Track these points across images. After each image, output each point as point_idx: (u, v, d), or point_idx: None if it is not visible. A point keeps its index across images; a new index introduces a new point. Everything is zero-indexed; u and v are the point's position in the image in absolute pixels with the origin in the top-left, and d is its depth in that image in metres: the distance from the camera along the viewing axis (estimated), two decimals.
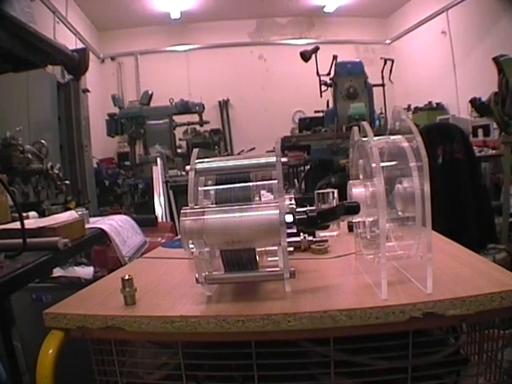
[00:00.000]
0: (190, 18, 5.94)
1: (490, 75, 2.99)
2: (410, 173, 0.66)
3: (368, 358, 0.70)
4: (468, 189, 2.39)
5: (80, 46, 4.63)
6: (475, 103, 3.56)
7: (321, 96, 3.76)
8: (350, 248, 0.92)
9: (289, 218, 0.67)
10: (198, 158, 0.75)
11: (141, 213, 3.89)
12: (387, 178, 0.70)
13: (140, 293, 0.77)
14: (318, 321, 0.65)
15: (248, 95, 6.27)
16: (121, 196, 4.27)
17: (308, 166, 3.94)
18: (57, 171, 1.90)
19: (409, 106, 5.70)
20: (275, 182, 0.72)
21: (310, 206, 0.88)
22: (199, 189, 0.75)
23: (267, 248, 0.84)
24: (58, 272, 1.57)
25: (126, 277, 0.75)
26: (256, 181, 0.75)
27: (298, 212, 0.71)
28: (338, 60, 3.65)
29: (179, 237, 0.71)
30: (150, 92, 4.73)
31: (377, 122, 4.02)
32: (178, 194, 3.74)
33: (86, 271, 1.65)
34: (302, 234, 0.99)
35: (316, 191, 1.17)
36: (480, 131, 4.22)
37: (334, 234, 1.14)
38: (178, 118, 4.81)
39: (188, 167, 0.74)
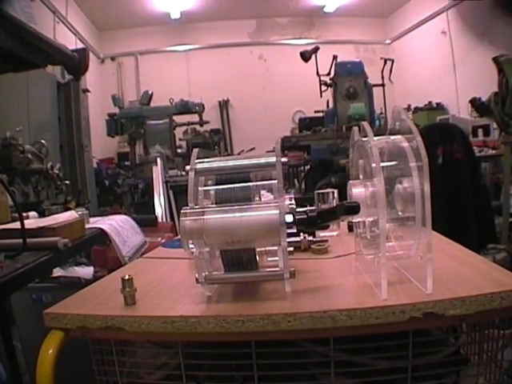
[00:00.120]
0: (190, 17, 5.94)
1: (490, 75, 2.99)
2: (410, 173, 0.66)
3: (368, 358, 0.70)
4: (468, 189, 2.39)
5: (80, 45, 4.63)
6: (475, 103, 3.56)
7: (321, 96, 3.76)
8: (350, 248, 0.92)
9: (289, 218, 0.67)
10: (198, 158, 0.75)
11: (141, 213, 3.89)
12: (387, 178, 0.70)
13: (140, 293, 0.77)
14: (318, 321, 0.65)
15: (248, 95, 6.27)
16: (121, 196, 4.27)
17: (308, 166, 3.94)
18: (57, 171, 1.90)
19: (409, 106, 5.70)
20: (275, 182, 0.72)
21: (310, 205, 0.88)
22: (199, 189, 0.75)
23: (267, 248, 0.84)
24: (58, 272, 1.57)
25: (126, 277, 0.75)
26: (256, 181, 0.75)
27: (298, 212, 0.71)
28: (338, 60, 3.65)
29: (179, 237, 0.71)
30: (149, 92, 4.73)
31: (377, 122, 4.02)
32: (178, 194, 3.74)
33: (86, 271, 1.65)
34: (301, 233, 0.99)
35: (316, 191, 1.17)
36: (480, 131, 4.22)
37: (334, 234, 1.14)
38: (178, 118, 4.80)
39: (188, 167, 0.74)
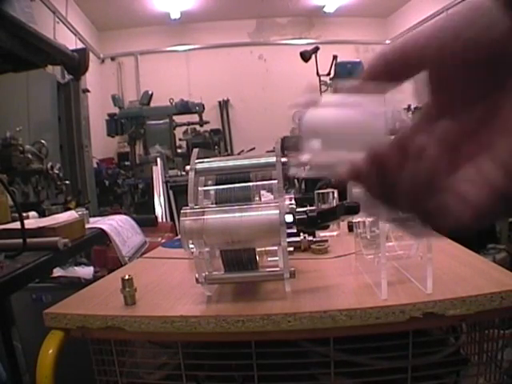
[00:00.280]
0: (190, 18, 5.93)
1: None
2: None
3: (368, 358, 0.70)
4: None
5: (80, 45, 4.63)
6: None
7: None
8: (349, 248, 0.92)
9: (289, 218, 0.67)
10: (198, 158, 0.75)
11: (141, 213, 3.89)
12: None
13: (140, 293, 0.77)
14: (318, 321, 0.65)
15: (248, 95, 6.26)
16: (121, 196, 4.27)
17: (308, 166, 3.94)
18: (57, 171, 1.90)
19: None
20: (275, 182, 0.73)
21: (310, 205, 0.88)
22: (199, 189, 0.75)
23: (267, 248, 0.84)
24: (58, 272, 1.57)
25: (126, 277, 0.75)
26: (256, 181, 0.75)
27: (298, 212, 0.71)
28: (338, 60, 3.65)
29: (179, 237, 0.71)
30: (149, 92, 4.72)
31: None
32: (178, 194, 3.74)
33: (86, 271, 1.65)
34: (302, 233, 0.99)
35: (316, 191, 1.17)
36: None
37: (334, 234, 1.14)
38: (178, 118, 4.80)
39: (188, 167, 0.74)
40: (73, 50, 1.28)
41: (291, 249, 0.85)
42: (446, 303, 0.64)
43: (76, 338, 0.73)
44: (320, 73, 3.63)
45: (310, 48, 3.66)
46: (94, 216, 1.53)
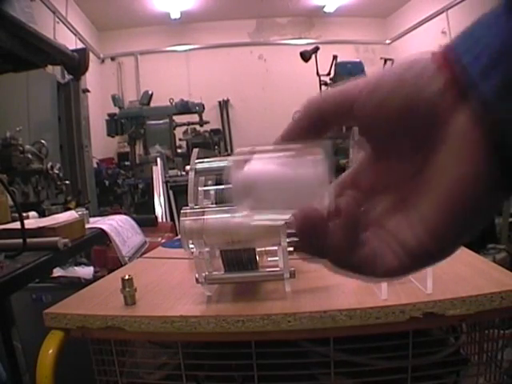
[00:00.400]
0: (190, 17, 5.93)
1: None
2: None
3: (368, 358, 0.70)
4: None
5: (80, 45, 4.63)
6: None
7: None
8: None
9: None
10: (198, 158, 0.75)
11: (141, 213, 3.89)
12: None
13: (140, 293, 0.77)
14: (318, 321, 0.65)
15: (248, 95, 6.26)
16: (121, 196, 4.26)
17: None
18: (57, 171, 1.90)
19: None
20: None
21: None
22: (199, 189, 0.75)
23: (267, 248, 0.84)
24: (58, 272, 1.57)
25: (126, 277, 0.75)
26: None
27: None
28: (338, 60, 3.65)
29: (179, 237, 0.71)
30: (149, 92, 4.72)
31: None
32: (178, 194, 3.73)
33: (86, 271, 1.65)
34: None
35: None
36: None
37: None
38: (178, 118, 4.80)
39: (188, 167, 0.74)
40: (73, 50, 1.28)
41: (291, 249, 0.85)
42: (445, 303, 0.64)
43: (76, 338, 0.73)
44: (320, 73, 3.63)
45: (309, 48, 3.66)
46: (94, 216, 1.53)
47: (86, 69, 1.33)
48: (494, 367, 0.74)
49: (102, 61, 6.10)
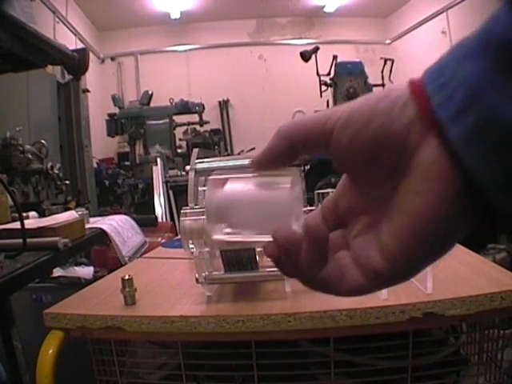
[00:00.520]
0: (190, 17, 5.93)
1: None
2: None
3: (368, 358, 0.70)
4: None
5: (80, 45, 4.63)
6: None
7: (321, 96, 3.76)
8: None
9: None
10: (198, 158, 0.75)
11: (141, 213, 3.89)
12: None
13: (140, 293, 0.77)
14: (318, 321, 0.65)
15: (248, 95, 6.26)
16: (121, 196, 4.26)
17: (308, 166, 3.94)
18: (57, 171, 1.90)
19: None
20: None
21: (310, 205, 0.88)
22: (199, 189, 0.75)
23: None
24: (58, 272, 1.57)
25: (126, 277, 0.75)
26: None
27: None
28: (338, 60, 3.65)
29: (179, 237, 0.71)
30: (150, 92, 4.72)
31: None
32: (178, 194, 3.74)
33: (86, 271, 1.65)
34: None
35: (316, 191, 1.17)
36: None
37: None
38: (178, 118, 4.80)
39: (188, 167, 0.74)
40: (73, 50, 1.28)
41: None
42: (446, 303, 0.64)
43: (76, 338, 0.73)
44: (320, 73, 3.63)
45: (309, 48, 3.66)
46: (94, 216, 1.53)
47: (86, 69, 1.33)
48: (493, 367, 0.74)
49: (102, 61, 6.10)
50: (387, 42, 6.58)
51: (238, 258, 0.72)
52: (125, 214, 1.91)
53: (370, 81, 3.66)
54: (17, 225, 0.95)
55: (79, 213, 1.27)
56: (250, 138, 5.82)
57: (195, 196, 0.72)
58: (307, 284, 0.26)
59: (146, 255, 1.20)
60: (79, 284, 1.44)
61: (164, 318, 0.68)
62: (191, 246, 0.69)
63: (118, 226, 1.36)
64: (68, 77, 3.54)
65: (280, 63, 6.25)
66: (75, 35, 4.83)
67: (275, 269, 0.75)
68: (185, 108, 4.65)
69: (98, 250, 1.77)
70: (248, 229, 0.27)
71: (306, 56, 3.62)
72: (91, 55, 4.57)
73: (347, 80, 3.57)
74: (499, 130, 0.19)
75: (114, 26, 5.90)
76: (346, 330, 0.66)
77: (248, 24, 6.36)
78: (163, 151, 4.20)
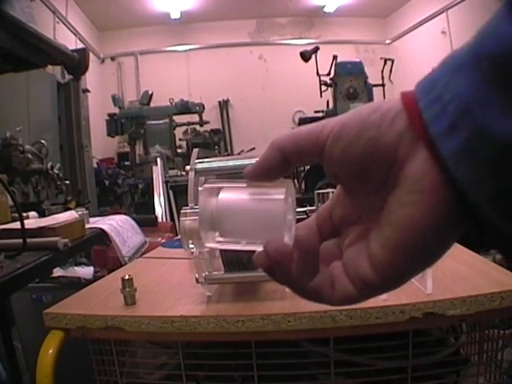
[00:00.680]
0: (190, 17, 5.93)
1: None
2: None
3: (368, 358, 0.70)
4: None
5: (80, 45, 4.63)
6: None
7: (321, 96, 3.76)
8: None
9: None
10: (198, 158, 0.75)
11: (141, 213, 3.88)
12: None
13: (140, 293, 0.77)
14: (318, 321, 0.65)
15: (248, 95, 6.26)
16: (121, 196, 4.26)
17: (308, 166, 3.94)
18: (57, 171, 1.90)
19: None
20: None
21: (310, 206, 0.88)
22: (199, 189, 0.75)
23: None
24: (58, 272, 1.57)
25: (126, 277, 0.75)
26: None
27: (298, 212, 0.71)
28: (338, 60, 3.64)
29: (179, 237, 0.71)
30: (150, 92, 4.72)
31: None
32: (178, 194, 3.73)
33: (86, 271, 1.65)
34: None
35: (316, 191, 1.17)
36: None
37: None
38: (178, 118, 4.80)
39: (188, 167, 0.74)
40: (73, 50, 1.28)
41: None
42: (445, 303, 0.64)
43: (76, 338, 0.73)
44: (320, 73, 3.63)
45: (310, 48, 3.65)
46: (94, 216, 1.53)
47: (86, 69, 1.33)
48: (493, 367, 0.74)
49: (102, 61, 6.10)
50: (387, 42, 6.58)
51: (237, 258, 0.72)
52: (125, 214, 1.91)
53: (370, 81, 3.66)
54: (17, 225, 0.95)
55: (79, 213, 1.27)
56: (250, 137, 5.82)
57: (195, 196, 0.72)
58: (297, 293, 0.27)
59: (145, 255, 1.20)
60: (79, 284, 1.44)
61: (164, 318, 0.68)
62: (191, 245, 0.69)
63: (118, 225, 1.36)
64: (68, 77, 3.54)
65: (280, 63, 6.25)
66: (75, 35, 4.83)
67: None
68: (185, 108, 4.65)
69: (98, 250, 1.77)
70: (240, 238, 0.28)
71: (305, 56, 3.61)
72: (91, 55, 4.56)
73: (347, 80, 3.57)
74: (492, 145, 0.19)
75: (114, 26, 5.90)
76: (346, 330, 0.66)
77: (248, 24, 6.36)
78: (163, 151, 4.20)
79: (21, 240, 0.89)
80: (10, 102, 2.72)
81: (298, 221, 0.29)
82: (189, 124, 5.03)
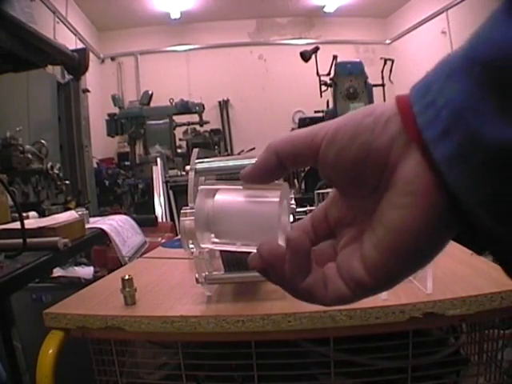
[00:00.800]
0: (190, 17, 5.93)
1: None
2: None
3: (368, 358, 0.70)
4: None
5: (80, 45, 4.63)
6: None
7: (321, 96, 3.76)
8: None
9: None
10: (198, 158, 0.75)
11: (141, 213, 3.88)
12: None
13: (140, 293, 0.77)
14: (318, 321, 0.65)
15: (248, 95, 6.26)
16: (121, 196, 4.26)
17: (308, 166, 3.94)
18: (57, 171, 1.90)
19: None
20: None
21: (310, 206, 0.88)
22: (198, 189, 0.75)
23: None
24: (58, 272, 1.57)
25: (126, 277, 0.75)
26: None
27: (298, 212, 0.71)
28: (338, 60, 3.64)
29: (179, 237, 0.71)
30: (150, 92, 4.72)
31: None
32: (178, 194, 3.73)
33: (86, 271, 1.64)
34: None
35: (316, 191, 1.17)
36: None
37: None
38: (178, 118, 4.80)
39: (188, 167, 0.74)
40: (73, 50, 1.28)
41: None
42: (445, 303, 0.64)
43: (76, 338, 0.73)
44: (320, 73, 3.63)
45: (310, 48, 3.65)
46: (94, 216, 1.53)
47: (86, 69, 1.33)
48: (494, 367, 0.74)
49: (102, 61, 6.10)
50: (387, 42, 6.58)
51: (237, 258, 0.72)
52: (125, 214, 1.90)
53: (370, 81, 3.66)
54: (17, 225, 0.95)
55: (79, 213, 1.27)
56: (250, 137, 5.82)
57: (195, 196, 0.72)
58: (291, 293, 0.27)
59: (145, 255, 1.20)
60: (79, 284, 1.44)
61: (164, 318, 0.68)
62: (191, 246, 0.69)
63: (118, 225, 1.36)
64: (68, 77, 3.54)
65: (280, 63, 6.25)
66: (75, 35, 4.83)
67: None
68: (185, 108, 4.65)
69: (98, 250, 1.77)
70: (235, 239, 0.28)
71: (305, 56, 3.61)
72: (91, 55, 4.56)
73: (347, 80, 3.57)
74: (483, 151, 0.19)
75: (113, 26, 5.90)
76: (346, 330, 0.66)
77: (248, 24, 6.36)
78: (163, 151, 4.20)
79: (21, 240, 0.89)
80: (10, 101, 2.72)
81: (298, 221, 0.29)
82: (189, 124, 5.03)
